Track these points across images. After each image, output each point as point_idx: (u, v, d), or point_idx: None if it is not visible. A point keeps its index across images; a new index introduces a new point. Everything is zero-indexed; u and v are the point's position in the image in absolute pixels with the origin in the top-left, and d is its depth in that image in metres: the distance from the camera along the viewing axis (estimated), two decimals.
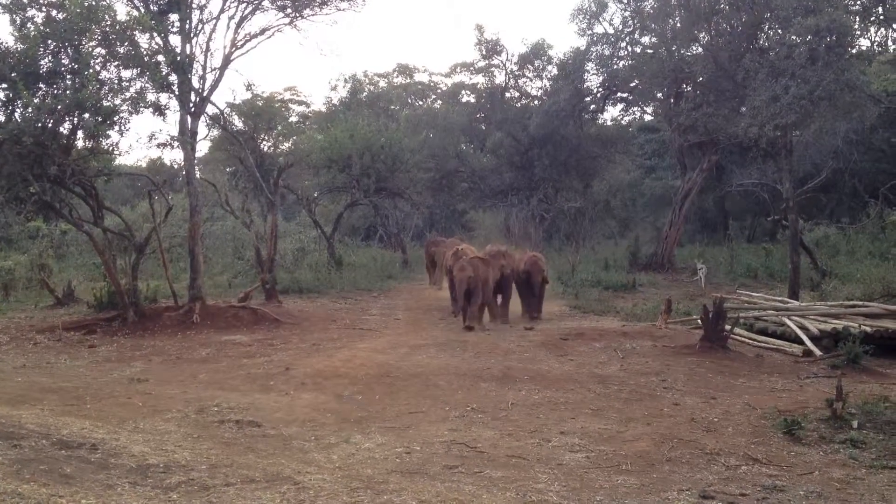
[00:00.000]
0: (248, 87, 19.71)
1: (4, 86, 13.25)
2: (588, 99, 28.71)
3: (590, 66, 27.87)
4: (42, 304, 17.40)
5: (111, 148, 14.76)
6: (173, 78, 15.37)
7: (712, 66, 21.75)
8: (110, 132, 14.17)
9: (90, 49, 13.73)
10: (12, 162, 13.29)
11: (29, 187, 13.96)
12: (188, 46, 15.85)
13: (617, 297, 19.27)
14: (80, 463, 6.20)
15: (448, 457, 7.13)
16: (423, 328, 14.87)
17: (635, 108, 31.27)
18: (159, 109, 15.01)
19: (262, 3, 16.97)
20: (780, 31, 18.77)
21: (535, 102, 31.65)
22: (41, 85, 13.49)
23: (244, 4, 16.68)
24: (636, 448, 7.44)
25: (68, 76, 13.61)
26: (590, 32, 27.38)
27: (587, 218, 26.52)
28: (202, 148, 30.15)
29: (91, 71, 13.48)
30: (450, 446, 7.46)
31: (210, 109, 17.69)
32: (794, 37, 17.53)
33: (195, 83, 16.03)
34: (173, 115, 15.73)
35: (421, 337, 13.57)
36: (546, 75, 32.04)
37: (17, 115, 13.39)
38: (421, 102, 38.69)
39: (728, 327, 12.43)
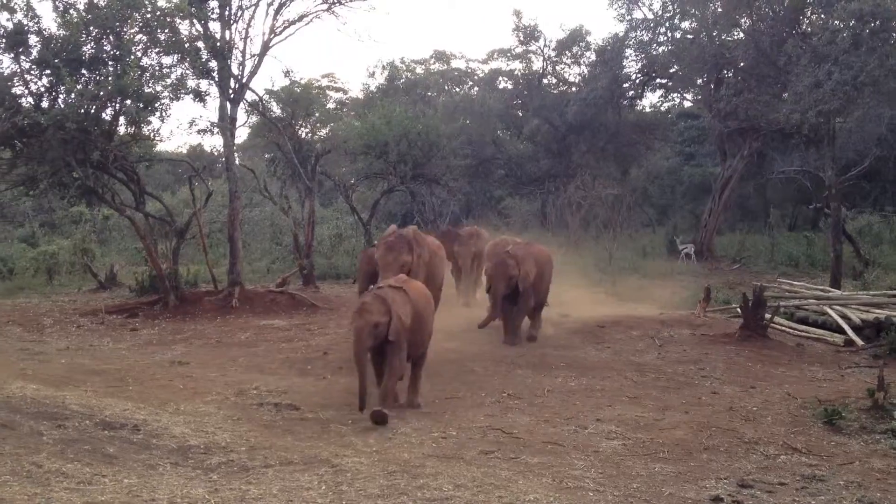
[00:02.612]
0: (287, 73, 19.79)
1: (48, 72, 13.46)
2: (626, 85, 28.41)
3: (629, 52, 27.58)
4: (85, 287, 17.68)
5: (152, 134, 14.98)
6: (213, 64, 15.51)
7: (754, 51, 21.45)
8: (151, 118, 14.38)
9: (132, 36, 13.90)
10: (56, 147, 13.49)
11: (72, 172, 14.17)
12: (227, 33, 15.96)
13: (654, 284, 19.13)
14: (122, 443, 6.32)
15: (484, 442, 7.16)
16: (459, 314, 14.87)
17: (675, 95, 30.89)
18: (199, 96, 15.17)
19: None
20: (823, 15, 18.48)
21: (573, 89, 31.42)
22: (84, 71, 13.69)
23: None
24: (673, 436, 7.42)
25: (110, 62, 13.79)
26: (629, 18, 27.10)
27: (625, 205, 26.22)
28: (241, 134, 30.27)
29: (133, 57, 13.65)
30: (486, 432, 7.49)
31: (249, 96, 17.86)
32: (837, 21, 17.24)
33: (234, 69, 16.16)
34: (213, 102, 15.92)
35: (457, 323, 13.58)
36: (584, 61, 31.79)
37: (60, 101, 13.61)
38: (458, 89, 38.52)
39: (768, 316, 12.32)
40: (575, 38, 31.16)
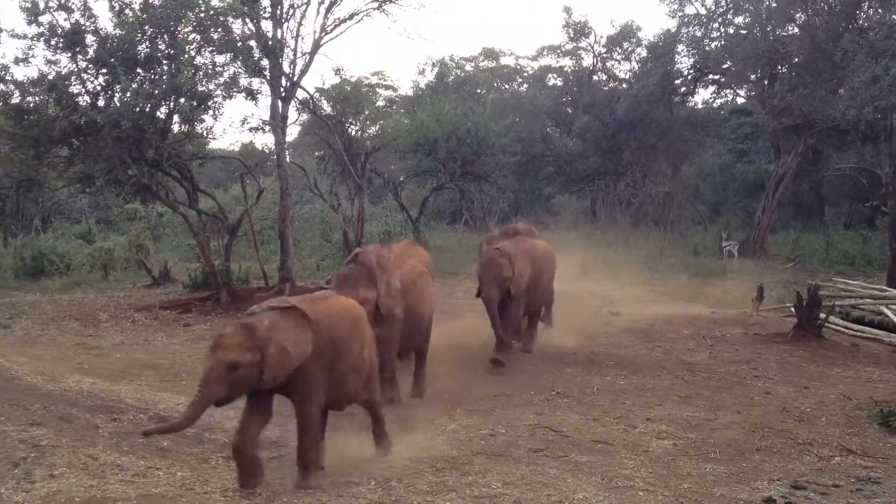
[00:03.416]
0: (337, 71, 19.94)
1: (104, 71, 13.72)
2: (678, 81, 28.06)
3: (680, 47, 27.22)
4: (139, 283, 17.99)
5: (205, 132, 15.18)
6: (265, 63, 15.65)
7: (809, 46, 21.05)
8: (205, 116, 14.60)
9: (186, 35, 14.10)
10: (112, 145, 13.75)
11: (127, 170, 14.42)
12: (279, 31, 16.09)
13: (706, 283, 18.89)
14: (175, 437, 6.41)
15: (533, 440, 7.15)
16: None
17: (727, 91, 30.42)
18: (251, 94, 15.34)
19: None
20: (880, 10, 18.07)
21: (623, 86, 31.15)
22: (139, 70, 13.92)
23: None
24: (725, 436, 7.33)
25: (165, 61, 14.01)
26: (681, 13, 26.75)
27: (676, 203, 25.94)
28: (292, 132, 30.71)
29: (186, 56, 13.85)
30: (534, 430, 7.47)
31: (300, 94, 18.00)
32: (894, 16, 16.84)
33: (286, 68, 16.29)
34: (265, 100, 16.04)
35: None
36: (635, 58, 31.49)
37: (116, 99, 13.85)
38: (507, 86, 38.45)
39: (823, 315, 12.09)
40: (626, 34, 30.89)
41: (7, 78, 13.64)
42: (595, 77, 32.61)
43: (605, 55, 32.20)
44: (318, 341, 5.70)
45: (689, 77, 28.02)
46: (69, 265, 19.46)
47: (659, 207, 26.20)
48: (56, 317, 13.85)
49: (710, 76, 28.16)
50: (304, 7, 16.47)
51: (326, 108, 21.31)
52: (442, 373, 9.67)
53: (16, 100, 13.84)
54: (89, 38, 13.78)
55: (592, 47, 31.99)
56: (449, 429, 7.49)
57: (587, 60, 32.65)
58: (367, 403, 6.58)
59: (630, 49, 31.52)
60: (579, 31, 31.38)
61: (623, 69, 32.45)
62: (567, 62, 33.79)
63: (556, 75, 35.11)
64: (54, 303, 15.18)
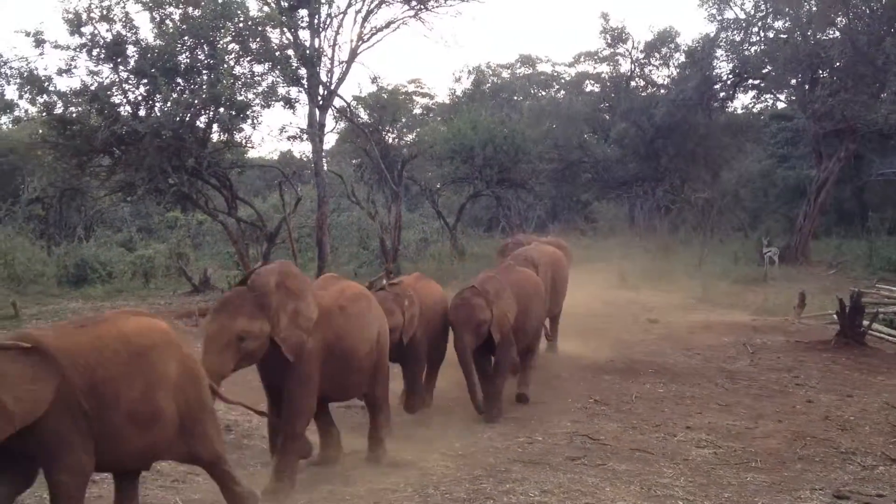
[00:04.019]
0: (374, 79, 20.07)
1: (145, 81, 13.94)
2: (717, 86, 27.84)
3: (719, 52, 27.03)
4: (180, 290, 18.18)
5: (244, 141, 15.35)
6: (302, 72, 15.82)
7: (850, 50, 20.76)
8: (243, 125, 14.78)
9: (224, 45, 14.28)
10: (153, 154, 13.94)
11: (168, 179, 14.62)
12: (317, 41, 16.28)
13: (747, 290, 18.66)
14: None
15: (570, 448, 7.10)
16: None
17: (767, 96, 30.10)
18: (289, 103, 15.51)
19: None
20: None
21: (662, 91, 30.95)
22: (179, 80, 14.12)
23: None
24: (766, 445, 7.21)
25: (204, 71, 14.21)
26: (719, 18, 26.56)
27: (715, 209, 25.70)
28: (330, 140, 30.88)
29: (225, 66, 14.03)
30: (572, 437, 7.42)
31: (337, 102, 18.14)
32: None
33: (323, 77, 16.46)
34: (302, 109, 16.22)
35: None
36: (673, 63, 31.27)
37: (157, 109, 14.06)
38: (544, 93, 38.41)
39: (866, 323, 11.88)
40: (664, 40, 30.70)
41: (51, 89, 13.91)
42: (633, 83, 32.43)
43: (642, 61, 32.02)
44: (68, 388, 4.26)
45: (729, 82, 27.78)
46: (111, 273, 19.72)
47: (698, 214, 25.99)
48: None
49: (750, 81, 27.89)
50: (342, 16, 16.67)
51: (363, 116, 21.45)
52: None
53: (59, 110, 14.10)
54: (130, 49, 14.03)
55: (630, 53, 31.84)
56: (486, 436, 7.46)
57: (625, 66, 32.51)
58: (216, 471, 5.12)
59: (668, 54, 31.32)
60: (617, 36, 31.24)
61: (661, 75, 32.27)
62: (604, 68, 33.69)
63: (593, 81, 35.00)
64: (97, 310, 15.37)
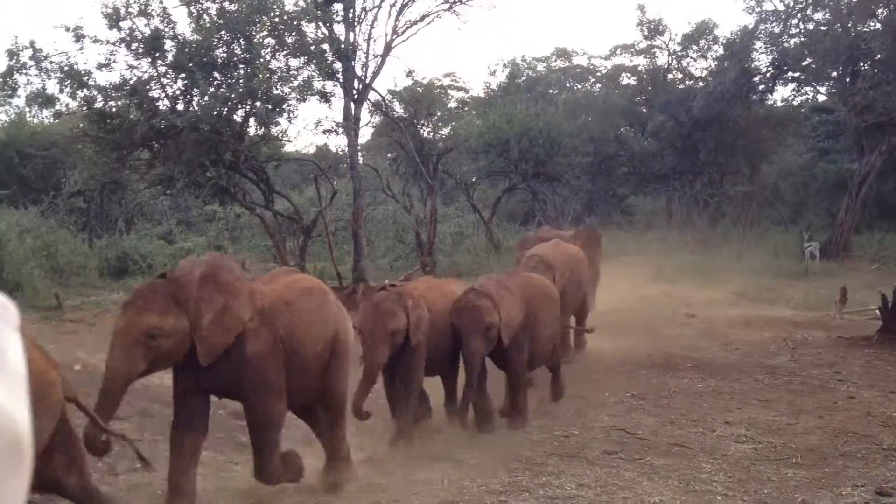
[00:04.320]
0: (409, 73, 20.06)
1: (183, 76, 14.06)
2: (756, 79, 27.47)
3: (758, 44, 26.66)
4: None
5: (280, 134, 15.44)
6: (338, 66, 15.87)
7: (892, 42, 20.39)
8: (279, 119, 14.86)
9: (261, 39, 14.37)
10: (191, 148, 14.07)
11: (206, 172, 14.75)
12: (352, 35, 16.31)
13: (787, 285, 18.42)
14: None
15: (607, 442, 7.05)
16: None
17: (807, 88, 29.69)
18: (325, 97, 15.57)
19: None
20: None
21: (699, 84, 30.61)
22: (216, 74, 14.23)
23: None
24: (807, 441, 7.11)
25: (241, 66, 14.29)
26: (758, 10, 26.21)
27: (755, 203, 25.39)
28: (365, 134, 30.97)
29: (262, 60, 14.11)
30: (609, 431, 7.37)
31: (372, 96, 18.18)
32: None
33: (358, 70, 16.50)
34: (338, 102, 16.27)
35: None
36: (711, 55, 30.89)
37: (194, 103, 14.19)
38: (580, 86, 38.15)
39: None
40: (702, 32, 30.34)
41: (90, 83, 14.07)
42: (670, 76, 32.12)
43: (680, 53, 31.68)
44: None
45: (768, 74, 27.41)
46: (151, 265, 19.90)
47: (737, 208, 25.70)
48: None
49: (790, 73, 27.50)
50: (376, 10, 16.67)
51: (398, 109, 21.46)
52: None
53: (99, 104, 14.27)
54: (168, 44, 14.16)
55: (667, 45, 31.52)
56: (521, 430, 7.44)
57: (662, 59, 32.19)
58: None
59: (706, 46, 30.94)
60: (654, 28, 30.94)
61: (699, 67, 31.89)
62: (641, 61, 33.36)
63: (629, 74, 34.67)
64: None
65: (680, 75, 32.52)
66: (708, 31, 30.37)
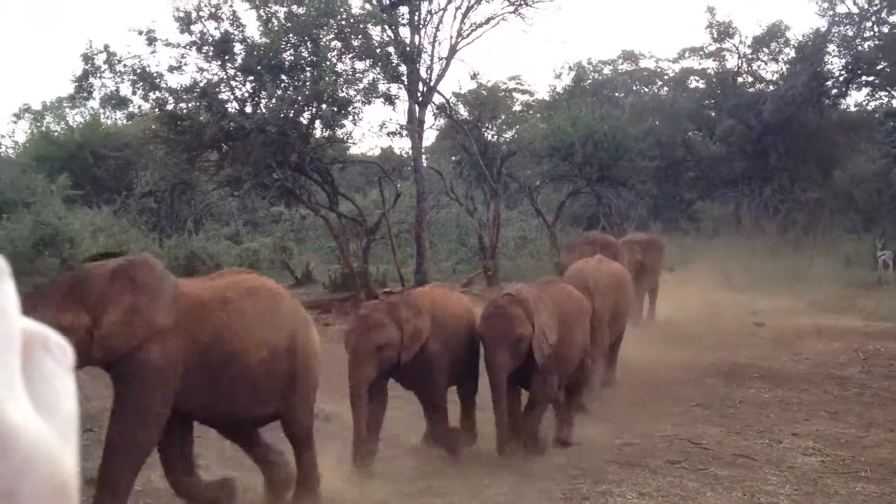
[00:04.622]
0: (474, 76, 20.06)
1: (251, 78, 14.29)
2: (829, 83, 26.88)
3: (831, 47, 26.09)
4: (283, 283, 18.49)
5: (345, 136, 15.57)
6: (402, 68, 15.94)
7: None
8: (345, 121, 14.97)
9: (327, 42, 14.53)
10: (258, 150, 14.28)
11: (272, 174, 14.95)
12: (417, 37, 16.38)
13: (859, 294, 17.92)
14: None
15: (670, 451, 6.94)
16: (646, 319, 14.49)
17: (882, 93, 28.90)
18: (389, 99, 15.65)
19: None
20: None
21: (770, 88, 30.03)
22: (284, 77, 14.42)
23: None
24: (877, 455, 6.90)
25: (308, 68, 14.46)
26: (831, 12, 25.64)
27: (826, 210, 24.82)
28: (429, 136, 31.09)
29: (328, 63, 14.26)
30: (672, 441, 7.25)
31: (436, 98, 18.22)
32: None
33: (423, 73, 16.55)
34: (402, 105, 16.34)
35: (644, 328, 13.25)
36: (782, 58, 30.31)
37: (262, 105, 14.40)
38: (646, 89, 37.72)
39: None
40: (773, 34, 29.77)
41: (162, 85, 14.38)
42: (739, 79, 31.58)
43: (750, 56, 31.14)
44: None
45: (841, 78, 26.78)
46: (219, 265, 20.26)
47: (808, 214, 25.13)
48: None
49: (864, 78, 26.82)
50: (441, 13, 16.71)
51: (463, 112, 21.47)
52: None
53: (170, 106, 14.58)
54: (237, 47, 14.39)
55: (737, 48, 31.00)
56: (583, 436, 7.36)
57: (731, 62, 31.67)
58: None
59: (777, 49, 30.36)
60: (723, 31, 30.46)
61: (769, 70, 31.31)
62: (710, 64, 32.87)
63: (698, 77, 34.19)
64: None
65: (750, 79, 31.96)
66: (779, 34, 29.80)
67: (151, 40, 14.26)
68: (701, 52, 32.95)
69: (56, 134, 24.00)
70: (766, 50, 30.69)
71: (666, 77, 37.47)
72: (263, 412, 5.17)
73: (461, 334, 6.75)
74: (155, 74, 14.38)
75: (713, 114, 32.81)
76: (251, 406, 5.05)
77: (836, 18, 25.57)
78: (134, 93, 14.67)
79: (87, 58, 14.56)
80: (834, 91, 27.44)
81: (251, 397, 5.00)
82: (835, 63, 26.60)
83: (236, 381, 4.87)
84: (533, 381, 6.83)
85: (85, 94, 15.06)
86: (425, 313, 6.32)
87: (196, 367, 4.70)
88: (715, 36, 30.84)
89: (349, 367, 6.06)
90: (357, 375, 5.98)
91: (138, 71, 14.39)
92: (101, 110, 22.34)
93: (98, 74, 14.68)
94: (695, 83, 34.57)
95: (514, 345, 6.50)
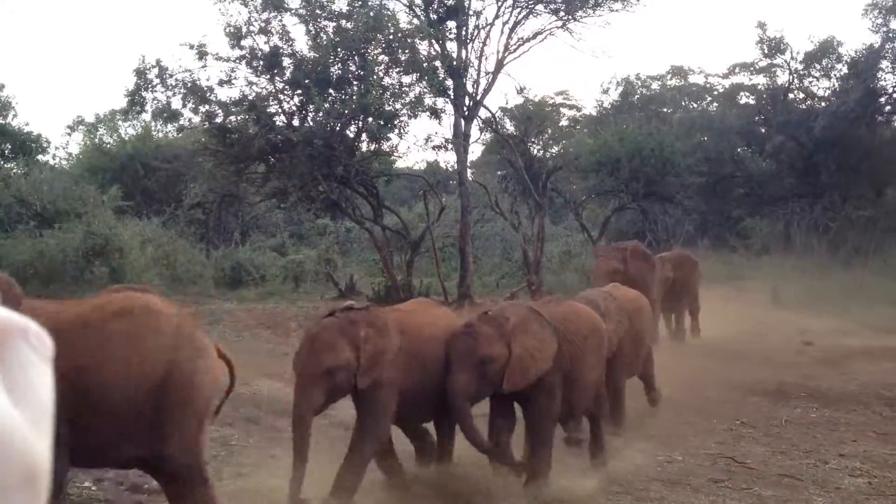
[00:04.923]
0: (520, 90, 20.06)
1: (299, 92, 14.47)
2: (882, 99, 26.42)
3: (884, 63, 25.65)
4: (327, 295, 18.70)
5: (391, 150, 15.67)
6: (449, 83, 16.01)
7: None
8: (391, 135, 15.08)
9: (375, 56, 14.66)
10: (304, 162, 14.45)
11: (318, 186, 15.10)
12: (464, 52, 16.43)
13: None
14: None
15: (713, 470, 6.84)
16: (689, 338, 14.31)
17: None
18: (435, 113, 15.74)
19: (536, 8, 17.23)
20: None
21: (822, 104, 29.58)
22: (331, 90, 14.58)
23: (518, 9, 17.02)
24: None
25: (355, 82, 14.61)
26: (885, 29, 25.22)
27: (878, 228, 24.30)
28: (475, 151, 31.18)
29: (375, 77, 14.38)
30: (716, 459, 7.15)
31: (482, 113, 18.25)
32: None
33: (469, 87, 16.59)
34: (448, 119, 16.39)
35: (687, 346, 13.09)
36: (835, 74, 29.82)
37: (309, 119, 14.57)
38: (695, 105, 37.38)
39: None
40: (825, 50, 29.31)
41: (212, 99, 14.63)
42: (790, 95, 31.15)
43: (801, 72, 30.70)
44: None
45: (894, 95, 26.31)
46: (264, 276, 20.49)
47: (859, 233, 24.66)
48: (250, 324, 14.60)
49: None
50: (489, 28, 16.76)
51: (509, 127, 21.49)
52: None
53: (219, 119, 14.82)
54: (286, 61, 14.59)
55: (788, 64, 30.57)
56: (624, 453, 7.28)
57: (782, 78, 31.23)
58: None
59: (829, 65, 29.90)
60: (774, 46, 30.07)
61: (821, 87, 30.84)
62: (760, 79, 32.47)
63: (748, 93, 33.80)
64: (249, 311, 16.00)
65: (801, 95, 31.51)
66: (831, 50, 29.33)
67: (202, 55, 14.52)
68: (751, 68, 32.60)
69: (108, 146, 24.51)
70: (817, 66, 30.24)
71: (715, 93, 37.12)
72: (130, 452, 4.38)
73: (436, 360, 5.80)
74: (205, 88, 14.63)
75: (763, 130, 32.41)
76: (113, 442, 4.30)
77: (890, 34, 25.16)
78: (184, 106, 14.96)
79: (140, 72, 14.86)
80: (887, 108, 27.00)
81: (111, 432, 4.25)
82: (888, 79, 26.19)
83: (93, 415, 4.13)
84: (528, 410, 6.07)
85: (137, 108, 15.37)
86: (392, 332, 5.48)
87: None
88: (766, 51, 30.45)
89: (294, 392, 5.37)
90: (301, 402, 5.21)
91: (189, 85, 14.66)
92: (153, 123, 22.77)
93: (150, 88, 14.98)
94: (745, 99, 34.20)
95: (479, 366, 5.68)
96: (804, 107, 30.42)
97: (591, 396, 6.57)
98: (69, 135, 28.74)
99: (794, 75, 30.79)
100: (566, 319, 6.35)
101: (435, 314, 6.28)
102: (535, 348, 5.83)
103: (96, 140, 25.34)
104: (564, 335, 6.15)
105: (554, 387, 6.01)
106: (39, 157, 25.45)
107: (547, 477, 5.99)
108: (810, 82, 30.98)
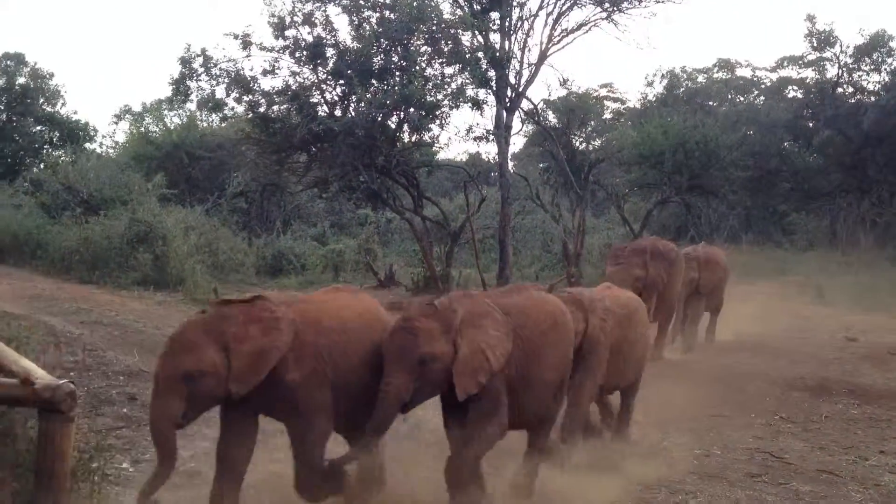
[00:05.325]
0: (563, 82, 19.96)
1: (342, 82, 14.57)
2: None
3: None
4: (366, 284, 18.80)
5: (432, 141, 15.70)
6: (491, 74, 15.99)
7: None
8: (432, 126, 15.12)
9: (417, 47, 14.69)
10: (346, 152, 14.54)
11: (359, 176, 15.18)
12: (507, 43, 16.41)
13: None
14: (390, 432, 6.62)
15: (750, 464, 6.78)
16: (731, 329, 14.15)
17: None
18: (477, 104, 15.74)
19: None
20: None
21: (871, 98, 29.02)
22: (373, 81, 14.64)
23: (562, 0, 16.93)
24: None
25: (397, 73, 14.65)
26: None
27: None
28: (517, 143, 31.10)
29: (417, 68, 14.41)
30: (753, 454, 7.08)
31: (525, 104, 18.20)
32: None
33: (512, 79, 16.58)
34: (489, 110, 16.39)
35: (729, 339, 12.95)
36: (886, 68, 29.24)
37: (351, 109, 14.65)
38: (741, 98, 36.89)
39: None
40: (876, 44, 28.74)
41: (255, 89, 14.77)
42: (839, 89, 30.60)
43: (851, 66, 30.13)
44: None
45: None
46: (304, 265, 20.68)
47: None
48: None
49: None
50: (532, 19, 16.70)
51: (552, 119, 21.40)
52: (658, 388, 9.35)
53: (262, 109, 14.96)
54: (329, 51, 14.68)
55: (837, 57, 30.02)
56: (661, 446, 7.25)
57: (831, 71, 30.67)
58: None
59: (880, 59, 29.31)
60: (823, 40, 29.54)
61: (872, 80, 30.24)
62: (809, 73, 31.95)
63: (796, 87, 33.26)
64: None
65: (850, 89, 30.94)
66: (882, 44, 28.76)
67: (246, 45, 14.67)
68: (800, 62, 32.09)
69: (154, 135, 24.87)
70: (867, 59, 29.67)
71: (763, 86, 36.61)
72: None
73: (360, 358, 4.97)
74: (249, 78, 14.78)
75: (810, 124, 31.91)
76: None
77: None
78: (228, 95, 15.10)
79: (185, 61, 15.04)
80: None
81: None
82: None
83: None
84: (470, 414, 5.04)
85: (182, 97, 15.57)
86: (284, 328, 4.65)
87: None
88: (815, 45, 29.95)
89: (151, 398, 4.59)
90: (157, 411, 4.44)
91: (233, 74, 14.81)
92: (198, 112, 23.06)
93: (195, 77, 15.16)
94: (792, 93, 33.68)
95: (417, 366, 4.80)
96: (853, 101, 29.88)
97: (547, 401, 5.58)
98: (116, 123, 29.32)
99: (844, 69, 30.24)
100: (527, 313, 5.39)
101: (355, 307, 5.25)
102: (487, 345, 4.99)
103: (142, 129, 25.75)
104: (522, 332, 5.23)
105: (498, 392, 5.08)
106: (87, 145, 26.06)
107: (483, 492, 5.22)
108: (860, 76, 30.41)
